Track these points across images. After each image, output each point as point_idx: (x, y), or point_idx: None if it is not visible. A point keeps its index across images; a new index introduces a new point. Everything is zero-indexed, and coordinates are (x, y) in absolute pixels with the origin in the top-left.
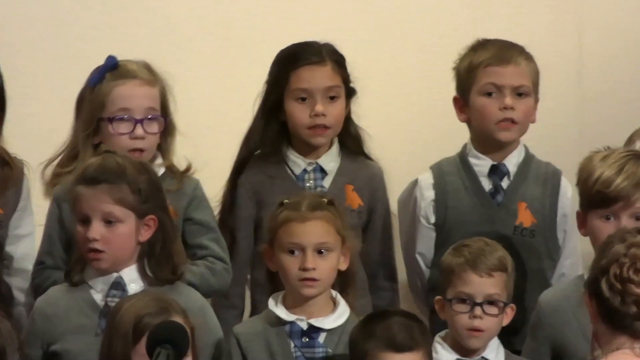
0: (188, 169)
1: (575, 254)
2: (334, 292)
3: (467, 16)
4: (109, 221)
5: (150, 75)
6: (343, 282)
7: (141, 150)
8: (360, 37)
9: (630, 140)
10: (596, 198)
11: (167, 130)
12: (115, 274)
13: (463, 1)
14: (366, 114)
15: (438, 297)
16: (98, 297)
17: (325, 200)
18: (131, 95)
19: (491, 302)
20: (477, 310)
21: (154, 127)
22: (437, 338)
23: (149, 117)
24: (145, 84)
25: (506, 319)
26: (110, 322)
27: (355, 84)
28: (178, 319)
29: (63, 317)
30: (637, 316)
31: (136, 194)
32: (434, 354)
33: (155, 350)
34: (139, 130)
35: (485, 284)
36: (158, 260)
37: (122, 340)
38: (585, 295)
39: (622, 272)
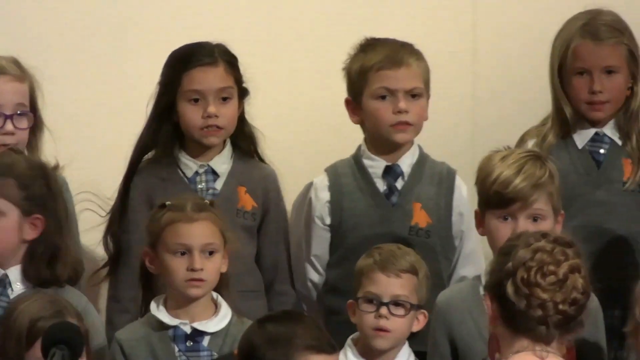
0: (55, 167)
1: (475, 255)
2: (214, 294)
3: (361, 15)
4: None
5: (19, 71)
6: (219, 284)
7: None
8: (252, 37)
9: (522, 140)
10: (494, 198)
11: (36, 126)
12: (1, 271)
13: (356, 0)
14: (259, 115)
15: (350, 301)
16: None
17: (207, 201)
18: (0, 91)
19: (398, 303)
20: (383, 310)
21: (24, 123)
22: (348, 341)
23: (19, 112)
24: (14, 80)
25: (417, 325)
26: (4, 324)
27: (248, 84)
28: (72, 321)
29: None
30: (542, 320)
31: (23, 190)
32: (341, 356)
33: (50, 351)
34: (9, 126)
35: (392, 285)
36: (37, 261)
37: (15, 342)
38: (485, 298)
39: (529, 276)
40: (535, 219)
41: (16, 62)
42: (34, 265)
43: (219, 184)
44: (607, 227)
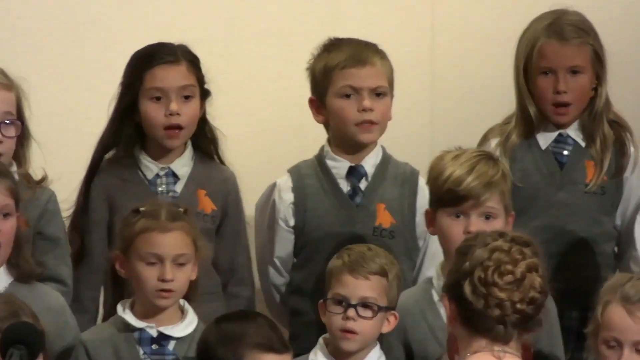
0: (43, 179)
1: (440, 256)
2: (182, 301)
3: (321, 15)
4: None
5: (6, 80)
6: (188, 291)
7: None
8: (214, 38)
9: (485, 139)
10: (446, 196)
11: (24, 136)
12: None
13: (317, 0)
14: (220, 115)
15: (320, 301)
16: None
17: (182, 209)
18: None
19: (366, 304)
20: (351, 312)
21: (11, 131)
22: (320, 340)
23: (6, 121)
24: (1, 89)
25: (388, 326)
26: None
27: (209, 85)
28: (29, 321)
29: None
30: (499, 319)
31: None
32: (312, 356)
33: (7, 351)
34: None
35: (360, 287)
36: (23, 254)
37: None
38: (443, 298)
39: (486, 275)
40: (487, 217)
41: (2, 71)
42: (20, 258)
43: (179, 187)
44: (568, 228)
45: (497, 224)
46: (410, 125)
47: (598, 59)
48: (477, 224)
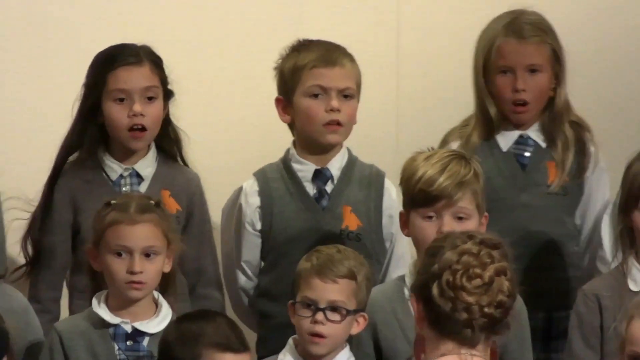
0: None
1: (406, 258)
2: (156, 294)
3: (287, 16)
4: None
5: None
6: (164, 284)
7: None
8: (177, 39)
9: (445, 142)
10: (419, 197)
11: None
12: None
13: (282, 0)
14: (185, 117)
15: (290, 302)
16: None
17: (153, 202)
18: None
19: (334, 308)
20: (319, 316)
21: None
22: (290, 341)
23: None
24: None
25: (357, 328)
26: None
27: (173, 86)
28: None
29: None
30: (467, 323)
31: None
32: (281, 356)
33: None
34: None
35: (329, 290)
36: None
37: None
38: (411, 299)
39: (454, 279)
40: (459, 217)
41: None
42: None
43: (143, 188)
44: (532, 230)
45: (470, 225)
46: (376, 126)
47: (557, 59)
48: (450, 224)
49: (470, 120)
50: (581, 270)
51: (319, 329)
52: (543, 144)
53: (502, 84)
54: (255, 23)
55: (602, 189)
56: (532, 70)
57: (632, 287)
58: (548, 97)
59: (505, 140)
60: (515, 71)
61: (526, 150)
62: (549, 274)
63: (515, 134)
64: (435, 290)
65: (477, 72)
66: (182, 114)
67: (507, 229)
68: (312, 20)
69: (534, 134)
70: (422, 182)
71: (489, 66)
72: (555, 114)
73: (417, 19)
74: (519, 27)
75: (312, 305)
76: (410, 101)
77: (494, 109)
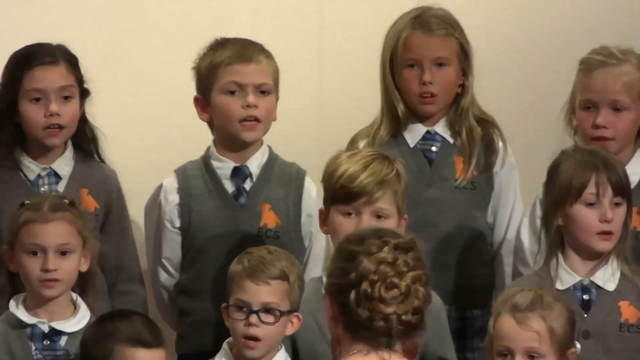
0: None
1: (323, 257)
2: (74, 295)
3: (207, 15)
4: None
5: None
6: (83, 284)
7: None
8: (94, 38)
9: (353, 142)
10: (339, 193)
11: None
12: None
13: (206, 2)
14: (104, 115)
15: (223, 305)
16: None
17: (67, 201)
18: None
19: (268, 310)
20: (253, 318)
21: None
22: (225, 344)
23: None
24: None
25: (292, 328)
26: None
27: (89, 84)
28: None
29: None
30: (384, 331)
31: None
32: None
33: None
34: None
35: (261, 292)
36: None
37: None
38: (326, 299)
39: (372, 290)
40: (378, 216)
41: None
42: None
43: (61, 187)
44: (440, 225)
45: (389, 225)
46: (299, 125)
47: (464, 54)
48: (369, 223)
49: (377, 119)
50: (493, 269)
51: (253, 331)
52: (450, 139)
53: (410, 77)
54: (176, 22)
55: (513, 185)
56: (439, 63)
57: (559, 286)
58: (455, 91)
59: (412, 136)
60: (422, 64)
61: (433, 146)
62: (458, 270)
63: (422, 130)
64: (352, 298)
65: (385, 66)
66: (103, 112)
67: (414, 224)
68: (235, 20)
69: (441, 129)
70: (344, 178)
71: (397, 60)
72: (461, 110)
73: (340, 19)
74: (426, 20)
75: (245, 308)
76: (333, 100)
77: (401, 104)
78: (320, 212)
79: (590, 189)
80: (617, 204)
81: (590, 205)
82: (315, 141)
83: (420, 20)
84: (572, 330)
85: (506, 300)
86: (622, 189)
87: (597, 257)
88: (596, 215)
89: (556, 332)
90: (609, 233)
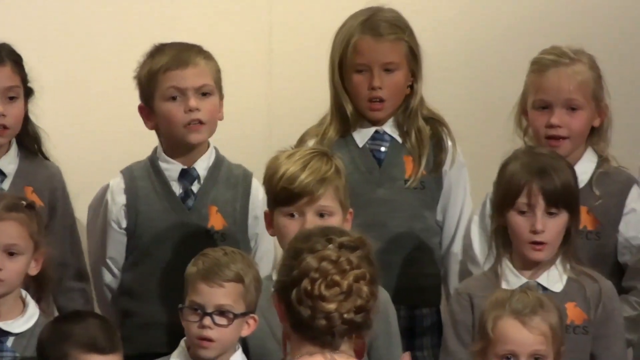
0: None
1: (269, 255)
2: (24, 293)
3: (155, 15)
4: None
5: None
6: (38, 289)
7: None
8: (41, 37)
9: (302, 141)
10: (281, 195)
11: None
12: None
13: (154, 3)
14: (50, 114)
15: (180, 306)
16: None
17: (24, 203)
18: None
19: (222, 312)
20: (207, 320)
21: None
22: (182, 343)
23: None
24: None
25: (248, 329)
26: None
27: (33, 84)
28: None
29: None
30: (327, 330)
31: None
32: (172, 359)
33: None
34: None
35: (215, 295)
36: None
37: None
38: (274, 297)
39: (313, 288)
40: (322, 214)
41: None
42: None
43: (6, 185)
44: (389, 225)
45: (334, 222)
46: (248, 126)
47: (413, 56)
48: (313, 222)
49: (326, 118)
50: (443, 267)
51: (207, 333)
52: (399, 139)
53: (358, 81)
54: (123, 21)
55: (462, 183)
56: (388, 69)
57: (505, 287)
58: (404, 94)
59: (361, 136)
60: (371, 69)
61: (382, 146)
62: (409, 270)
63: (370, 130)
64: (294, 296)
65: (333, 69)
66: (48, 111)
67: (364, 225)
68: (183, 21)
69: (390, 129)
70: (284, 179)
71: (346, 63)
72: (410, 110)
73: (289, 19)
74: (376, 24)
75: (199, 310)
76: (282, 101)
77: (349, 105)
78: (266, 214)
79: (522, 198)
80: (551, 214)
81: (522, 213)
82: (265, 142)
83: (370, 23)
84: (563, 327)
85: (502, 304)
86: (557, 199)
87: (535, 265)
88: (527, 224)
89: (556, 332)
90: (541, 243)
